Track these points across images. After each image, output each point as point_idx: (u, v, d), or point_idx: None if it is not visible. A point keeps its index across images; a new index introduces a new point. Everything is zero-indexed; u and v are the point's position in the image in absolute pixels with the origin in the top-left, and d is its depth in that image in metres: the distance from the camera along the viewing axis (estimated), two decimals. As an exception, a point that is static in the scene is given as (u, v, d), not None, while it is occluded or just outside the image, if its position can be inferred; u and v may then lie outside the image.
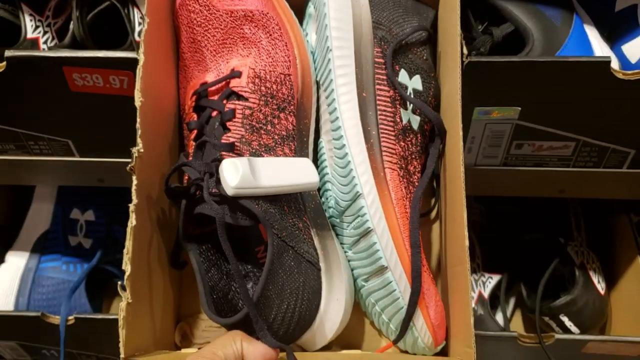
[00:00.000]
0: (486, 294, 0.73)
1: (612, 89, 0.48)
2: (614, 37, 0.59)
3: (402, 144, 0.51)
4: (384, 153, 0.50)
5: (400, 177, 0.50)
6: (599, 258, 0.75)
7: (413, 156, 0.52)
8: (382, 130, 0.50)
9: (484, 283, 0.74)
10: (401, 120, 0.51)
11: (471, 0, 0.58)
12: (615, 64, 0.56)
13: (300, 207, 0.50)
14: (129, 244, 0.45)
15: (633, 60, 0.57)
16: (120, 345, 0.48)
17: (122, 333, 0.47)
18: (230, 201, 0.45)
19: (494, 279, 0.74)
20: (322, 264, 0.51)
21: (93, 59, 0.50)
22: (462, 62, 0.47)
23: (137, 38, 0.58)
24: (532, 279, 0.77)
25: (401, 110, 0.51)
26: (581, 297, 0.70)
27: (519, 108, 0.50)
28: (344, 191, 0.50)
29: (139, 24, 0.59)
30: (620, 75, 0.47)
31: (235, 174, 0.44)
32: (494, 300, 0.75)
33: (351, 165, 0.49)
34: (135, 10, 0.59)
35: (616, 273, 0.75)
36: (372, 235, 0.49)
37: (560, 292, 0.77)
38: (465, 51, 0.47)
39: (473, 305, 0.72)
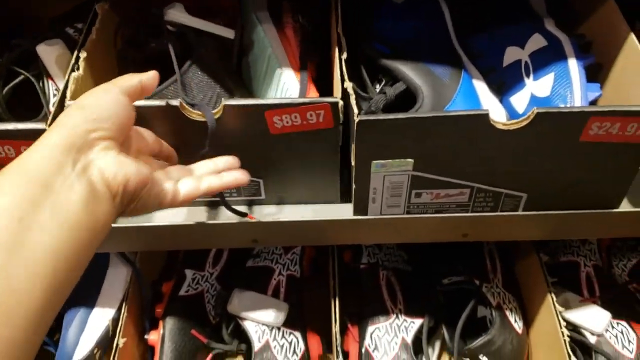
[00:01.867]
0: (409, 338, 0.75)
1: (495, 139, 0.52)
2: (503, 90, 0.64)
3: None
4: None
5: None
6: (515, 298, 0.79)
7: None
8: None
9: (406, 328, 0.76)
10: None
11: (367, 62, 0.63)
12: (502, 115, 0.60)
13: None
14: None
15: (520, 110, 0.62)
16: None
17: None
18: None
19: (416, 323, 0.77)
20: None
21: (4, 131, 0.51)
22: (354, 120, 0.50)
23: (51, 109, 0.60)
24: (453, 322, 0.80)
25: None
26: (499, 336, 0.73)
27: (412, 160, 0.53)
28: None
29: (54, 95, 0.61)
30: (499, 126, 0.51)
31: None
32: (418, 345, 0.78)
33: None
34: (51, 82, 0.62)
35: (531, 311, 0.78)
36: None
37: (483, 334, 0.80)
38: (356, 110, 0.50)
39: (397, 351, 0.74)
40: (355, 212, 0.60)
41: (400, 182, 0.56)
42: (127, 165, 0.43)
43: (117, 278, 0.78)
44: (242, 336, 0.78)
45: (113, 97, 0.45)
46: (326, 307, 0.84)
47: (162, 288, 0.80)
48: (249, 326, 0.77)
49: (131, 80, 0.47)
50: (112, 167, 0.42)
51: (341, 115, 0.53)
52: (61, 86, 0.54)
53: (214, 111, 0.52)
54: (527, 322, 0.79)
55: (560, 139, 0.52)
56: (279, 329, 0.76)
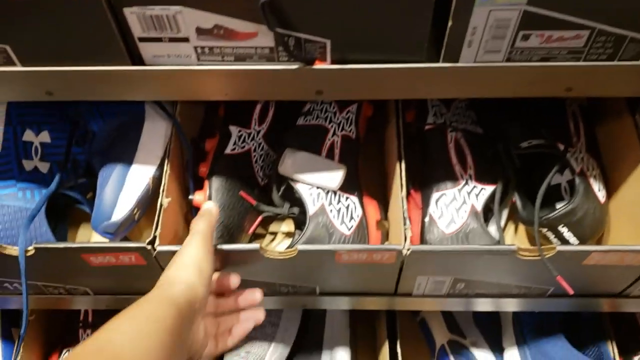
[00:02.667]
0: (479, 206, 0.68)
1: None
2: None
3: None
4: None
5: None
6: (598, 164, 0.71)
7: None
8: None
9: (476, 195, 0.69)
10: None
11: None
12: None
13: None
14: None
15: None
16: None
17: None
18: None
19: (487, 190, 0.69)
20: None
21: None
22: None
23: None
24: (526, 190, 0.72)
25: None
26: (582, 206, 0.66)
27: (529, -9, 0.43)
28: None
29: None
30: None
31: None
32: (486, 213, 0.71)
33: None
34: None
35: (616, 178, 0.71)
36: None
37: (555, 203, 0.73)
38: None
39: (465, 219, 0.68)
40: (445, 59, 0.50)
41: (508, 20, 0.46)
42: (204, 345, 0.53)
43: (155, 133, 0.70)
44: (294, 199, 0.71)
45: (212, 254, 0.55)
46: (381, 171, 0.77)
47: (204, 146, 0.72)
48: (303, 189, 0.69)
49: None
50: (198, 341, 0.51)
51: None
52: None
53: None
54: (609, 191, 0.71)
55: None
56: (334, 192, 0.69)
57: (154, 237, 0.61)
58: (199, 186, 0.70)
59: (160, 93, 0.57)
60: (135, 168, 0.68)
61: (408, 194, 0.68)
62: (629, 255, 0.60)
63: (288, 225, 0.78)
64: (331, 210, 0.68)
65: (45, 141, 0.72)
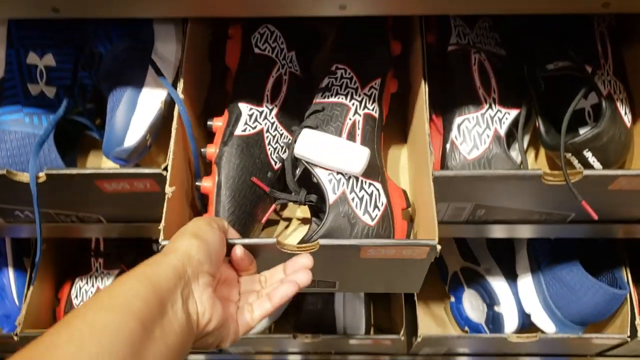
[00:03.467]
0: (502, 131, 0.66)
1: None
2: None
3: None
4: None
5: None
6: (625, 87, 0.68)
7: None
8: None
9: (500, 120, 0.66)
10: None
11: None
12: None
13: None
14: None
15: None
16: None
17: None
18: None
19: (511, 114, 0.67)
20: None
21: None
22: None
23: None
24: (549, 114, 0.70)
25: None
26: (608, 130, 0.64)
27: None
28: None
29: None
30: None
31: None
32: (508, 139, 0.69)
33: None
34: None
35: (643, 103, 0.68)
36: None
37: (578, 128, 0.71)
38: None
39: (488, 144, 0.66)
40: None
41: None
42: (216, 307, 0.48)
43: (166, 55, 0.67)
44: (311, 184, 0.65)
45: (219, 235, 0.51)
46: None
47: (212, 125, 0.67)
48: (321, 174, 0.62)
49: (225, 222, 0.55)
50: (205, 305, 0.47)
51: None
52: None
53: None
54: (635, 115, 0.69)
55: None
56: (357, 178, 0.62)
57: (167, 166, 0.59)
58: (207, 169, 0.66)
59: (169, 9, 0.54)
60: (146, 92, 0.65)
61: (430, 119, 0.66)
62: (657, 180, 0.59)
63: (303, 211, 0.73)
64: (353, 199, 0.62)
65: (50, 64, 0.69)
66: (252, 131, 0.65)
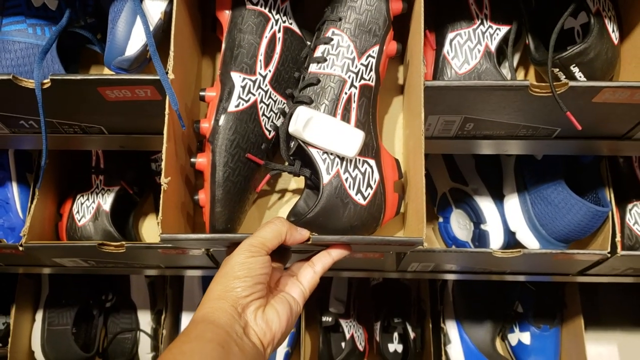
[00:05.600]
0: (493, 46, 0.69)
1: None
2: None
3: None
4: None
5: None
6: (614, 5, 0.70)
7: None
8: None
9: (490, 35, 0.69)
10: None
11: None
12: None
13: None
14: None
15: None
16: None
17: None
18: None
19: (502, 30, 0.69)
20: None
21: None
22: None
23: None
24: (539, 32, 0.72)
25: None
26: (595, 46, 0.66)
27: None
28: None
29: None
30: None
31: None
32: (498, 56, 0.71)
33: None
34: None
35: (630, 22, 0.70)
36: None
37: (567, 47, 0.73)
38: None
39: (478, 59, 0.68)
40: None
41: None
42: (273, 322, 0.55)
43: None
44: (305, 159, 0.65)
45: (262, 263, 0.55)
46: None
47: (204, 97, 0.67)
48: (316, 154, 0.62)
49: (280, 239, 0.58)
50: (262, 328, 0.54)
51: None
52: None
53: None
54: (622, 33, 0.71)
55: None
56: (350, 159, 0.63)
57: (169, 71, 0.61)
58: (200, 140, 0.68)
59: None
60: (147, 2, 0.66)
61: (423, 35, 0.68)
62: (639, 92, 0.61)
63: (298, 182, 0.75)
64: (347, 179, 0.62)
65: (52, -23, 0.70)
66: (246, 105, 0.65)
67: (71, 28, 0.71)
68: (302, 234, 0.60)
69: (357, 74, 0.63)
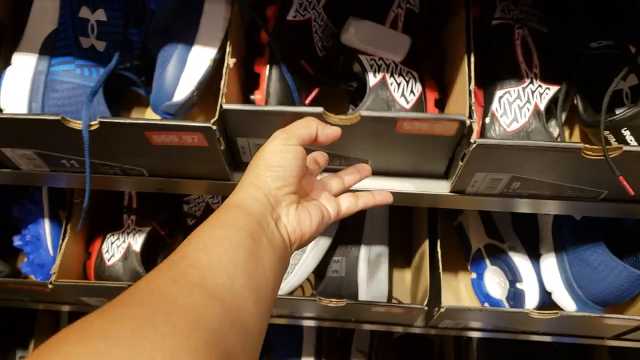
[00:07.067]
0: (542, 105, 0.68)
1: None
2: None
3: None
4: None
5: None
6: (665, 69, 0.69)
7: None
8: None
9: (540, 94, 0.68)
10: None
11: None
12: None
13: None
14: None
15: None
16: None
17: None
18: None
19: (552, 90, 0.69)
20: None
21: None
22: None
23: None
24: (588, 92, 0.71)
25: None
26: (647, 110, 0.65)
27: None
28: None
29: None
30: None
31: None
32: (546, 114, 0.70)
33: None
34: None
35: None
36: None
37: (615, 109, 0.72)
38: None
39: (528, 118, 0.67)
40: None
41: None
42: (304, 222, 0.52)
43: (215, 13, 0.68)
44: (352, 74, 0.71)
45: (294, 153, 0.51)
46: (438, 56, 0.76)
47: (265, 12, 0.71)
48: (364, 59, 0.68)
49: (311, 130, 0.53)
50: (293, 224, 0.51)
51: None
52: None
53: None
54: (673, 99, 0.70)
55: None
56: (396, 65, 0.68)
57: (216, 121, 0.61)
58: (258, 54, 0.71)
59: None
60: (196, 49, 0.67)
61: (470, 90, 0.68)
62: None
63: (337, 104, 0.78)
64: (392, 83, 0.67)
65: (101, 19, 0.71)
66: (302, 18, 0.70)
67: (118, 70, 0.71)
68: (335, 128, 0.55)
69: None
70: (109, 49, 0.71)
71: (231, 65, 0.63)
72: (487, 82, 0.69)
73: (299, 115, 0.58)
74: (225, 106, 0.60)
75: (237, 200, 0.49)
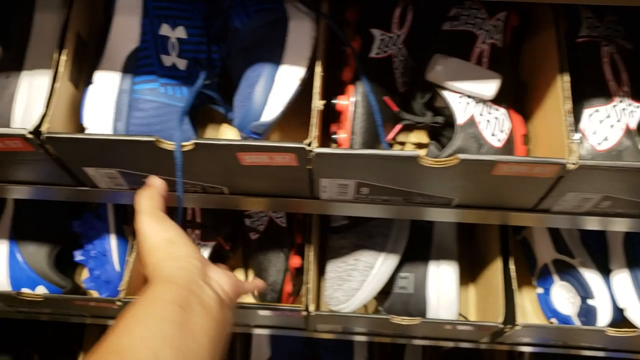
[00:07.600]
0: (633, 125, 0.67)
1: None
2: None
3: None
4: None
5: None
6: None
7: None
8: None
9: (631, 113, 0.67)
10: None
11: None
12: None
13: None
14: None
15: None
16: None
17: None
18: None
19: (642, 108, 0.68)
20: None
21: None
22: None
23: None
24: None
25: None
26: None
27: None
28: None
29: None
30: None
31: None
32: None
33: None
34: None
35: None
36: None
37: None
38: None
39: (619, 137, 0.66)
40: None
41: None
42: (231, 278, 0.58)
43: (302, 32, 0.67)
44: (435, 109, 0.70)
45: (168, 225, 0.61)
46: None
47: (345, 16, 0.72)
48: (451, 97, 0.67)
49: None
50: (224, 279, 0.56)
51: None
52: None
53: None
54: None
55: None
56: (484, 102, 0.67)
57: (310, 142, 0.60)
58: (340, 91, 0.69)
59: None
60: (284, 68, 0.66)
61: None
62: None
63: (417, 136, 0.78)
64: (480, 122, 0.66)
65: (182, 37, 0.71)
66: (384, 55, 0.70)
67: (200, 88, 0.70)
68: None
69: (487, 32, 0.68)
70: (190, 67, 0.71)
71: (320, 107, 0.63)
72: (575, 100, 0.68)
73: (394, 160, 0.60)
74: (316, 150, 0.60)
75: (162, 276, 0.52)
